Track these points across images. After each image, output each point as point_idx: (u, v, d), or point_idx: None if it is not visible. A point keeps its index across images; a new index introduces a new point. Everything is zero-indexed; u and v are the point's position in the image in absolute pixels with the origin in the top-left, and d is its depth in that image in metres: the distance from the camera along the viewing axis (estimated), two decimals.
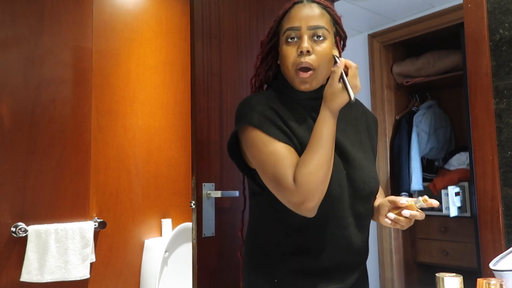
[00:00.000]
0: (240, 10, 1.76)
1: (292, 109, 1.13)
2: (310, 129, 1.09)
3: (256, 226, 1.19)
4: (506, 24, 1.48)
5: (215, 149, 1.61)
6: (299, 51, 1.07)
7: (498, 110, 1.51)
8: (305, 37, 1.07)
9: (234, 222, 1.65)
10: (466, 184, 2.86)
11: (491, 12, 1.52)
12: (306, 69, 1.08)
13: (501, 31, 1.49)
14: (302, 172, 0.97)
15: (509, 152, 1.46)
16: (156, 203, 2.40)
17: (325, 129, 0.99)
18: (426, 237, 3.04)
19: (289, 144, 1.05)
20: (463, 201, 2.82)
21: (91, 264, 2.08)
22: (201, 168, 1.56)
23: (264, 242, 1.15)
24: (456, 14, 2.68)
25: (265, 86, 1.26)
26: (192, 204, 1.54)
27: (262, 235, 1.16)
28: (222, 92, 1.67)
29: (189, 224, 2.38)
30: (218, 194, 1.56)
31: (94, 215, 2.14)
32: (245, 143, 1.09)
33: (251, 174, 1.18)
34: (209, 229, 1.55)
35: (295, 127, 1.09)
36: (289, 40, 1.09)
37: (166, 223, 2.40)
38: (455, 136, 3.28)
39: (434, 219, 3.00)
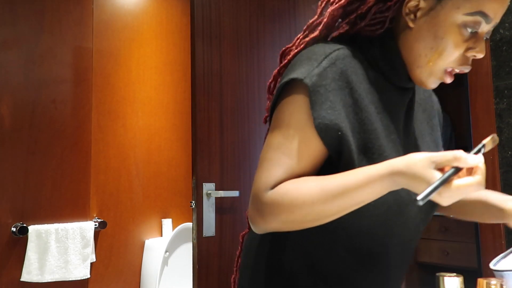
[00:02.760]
0: (240, 10, 1.76)
1: (386, 92, 0.78)
2: (392, 138, 0.76)
3: (274, 246, 0.84)
4: (506, 24, 1.48)
5: (216, 149, 1.61)
6: (471, 53, 0.72)
7: (498, 110, 1.51)
8: (483, 37, 0.73)
9: (234, 222, 1.65)
10: None
11: None
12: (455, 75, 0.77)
13: (501, 31, 1.49)
14: (289, 193, 0.69)
15: (509, 152, 1.46)
16: (157, 203, 2.40)
17: (366, 189, 0.65)
18: (427, 237, 3.04)
19: (325, 145, 0.72)
20: None
21: (92, 264, 2.08)
22: (201, 168, 1.56)
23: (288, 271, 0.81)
24: None
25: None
26: (192, 204, 1.54)
27: (283, 262, 0.82)
28: (222, 92, 1.67)
29: (189, 224, 2.38)
30: (218, 194, 1.56)
31: (95, 215, 2.14)
32: (280, 101, 0.76)
33: None
34: (209, 229, 1.55)
35: (374, 122, 0.74)
36: (469, 29, 0.71)
37: (167, 223, 2.40)
38: (455, 136, 3.28)
39: (435, 219, 3.00)
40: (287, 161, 0.72)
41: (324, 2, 0.80)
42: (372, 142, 0.72)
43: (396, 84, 0.79)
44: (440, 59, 0.72)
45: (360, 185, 0.65)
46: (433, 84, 0.76)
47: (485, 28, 0.72)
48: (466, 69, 0.75)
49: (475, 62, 1.49)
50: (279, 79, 0.83)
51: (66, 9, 2.10)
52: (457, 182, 0.57)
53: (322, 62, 0.72)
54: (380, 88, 0.77)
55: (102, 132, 2.20)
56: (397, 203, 0.73)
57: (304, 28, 0.82)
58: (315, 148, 0.72)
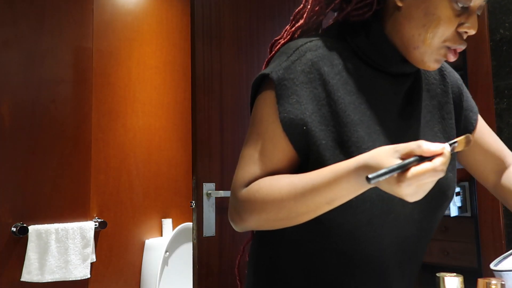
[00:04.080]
0: (240, 10, 1.76)
1: (366, 77, 0.75)
2: (372, 127, 0.73)
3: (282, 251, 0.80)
4: (507, 24, 1.48)
5: (216, 149, 1.61)
6: (463, 29, 0.70)
7: (498, 110, 1.51)
8: (475, 12, 0.71)
9: None
10: (466, 184, 2.85)
11: (491, 12, 1.52)
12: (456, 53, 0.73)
13: (501, 31, 1.49)
14: (260, 191, 0.68)
15: None
16: (157, 203, 2.40)
17: (334, 186, 0.62)
18: None
19: (292, 143, 0.70)
20: (463, 201, 2.82)
21: (92, 264, 2.08)
22: (201, 168, 1.56)
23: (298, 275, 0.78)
24: None
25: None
26: (192, 204, 1.54)
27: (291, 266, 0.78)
28: (222, 92, 1.66)
29: (189, 224, 2.38)
30: (218, 194, 1.56)
31: (95, 215, 2.14)
32: (255, 102, 0.76)
33: None
34: (209, 229, 1.55)
35: (348, 112, 0.71)
36: (460, 4, 0.68)
37: (167, 223, 2.40)
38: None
39: None
40: (261, 158, 0.71)
41: None
42: (347, 134, 0.69)
43: (387, 71, 0.76)
44: (434, 36, 0.70)
45: (327, 182, 0.63)
46: (435, 64, 0.73)
47: (477, 2, 0.69)
48: (462, 46, 0.72)
49: (475, 62, 1.48)
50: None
51: (66, 9, 2.10)
52: (413, 168, 0.55)
53: (291, 56, 0.72)
54: (363, 78, 0.74)
55: (102, 132, 2.20)
56: (380, 199, 0.69)
57: (291, 18, 0.81)
58: (283, 145, 0.71)
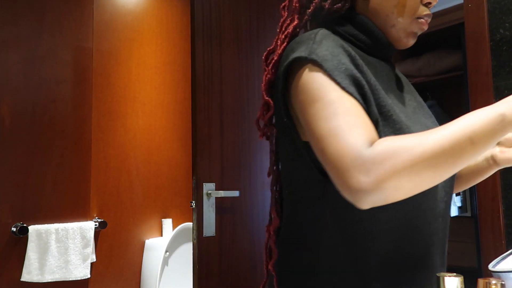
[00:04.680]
0: (240, 10, 1.76)
1: (368, 63, 0.78)
2: (393, 98, 0.77)
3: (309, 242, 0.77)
4: (507, 24, 1.48)
5: (216, 149, 1.61)
6: (425, 0, 0.79)
7: None
8: None
9: (234, 222, 1.65)
10: None
11: (491, 12, 1.52)
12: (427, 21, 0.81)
13: (501, 31, 1.49)
14: (401, 140, 0.59)
15: None
16: (157, 203, 2.40)
17: (485, 127, 0.58)
18: None
19: (361, 104, 0.67)
20: (463, 201, 2.82)
21: (92, 264, 2.09)
22: (201, 168, 1.56)
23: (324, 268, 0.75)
24: (457, 14, 2.68)
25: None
26: (192, 204, 1.54)
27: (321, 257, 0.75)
28: (222, 92, 1.67)
29: (189, 224, 2.38)
30: (218, 194, 1.56)
31: (95, 215, 2.14)
32: (295, 88, 0.71)
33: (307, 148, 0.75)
34: (209, 229, 1.55)
35: (379, 89, 0.72)
36: None
37: (167, 223, 2.40)
38: None
39: None
40: (360, 121, 0.63)
41: (287, 1, 0.85)
42: (379, 97, 0.71)
43: (378, 55, 0.82)
44: (406, 10, 0.78)
45: (468, 119, 0.59)
46: (411, 39, 0.82)
47: None
48: (429, 18, 0.81)
49: (475, 62, 1.49)
50: (269, 78, 0.81)
51: (66, 9, 2.10)
52: None
53: (316, 38, 0.72)
54: (366, 61, 0.78)
55: (102, 132, 2.20)
56: None
57: (278, 30, 0.83)
58: (357, 105, 0.66)
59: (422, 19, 0.80)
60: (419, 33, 0.82)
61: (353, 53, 0.72)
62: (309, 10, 0.80)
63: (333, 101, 0.65)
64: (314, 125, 0.65)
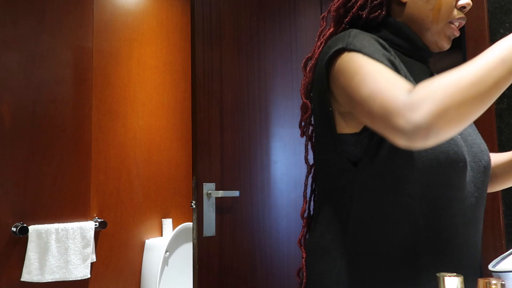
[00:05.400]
0: (240, 10, 1.77)
1: (405, 63, 0.84)
2: None
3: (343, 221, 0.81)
4: (507, 24, 1.48)
5: (216, 149, 1.61)
6: (461, 4, 0.82)
7: (498, 109, 1.51)
8: None
9: (234, 222, 1.65)
10: None
11: (491, 12, 1.52)
12: (460, 26, 0.84)
13: (501, 31, 1.49)
14: (436, 80, 0.61)
15: None
16: (157, 203, 2.40)
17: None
18: None
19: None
20: None
21: (92, 264, 2.09)
22: (201, 167, 1.56)
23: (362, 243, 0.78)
24: None
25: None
26: (192, 204, 1.54)
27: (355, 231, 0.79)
28: (222, 91, 1.67)
29: (189, 224, 2.38)
30: (218, 194, 1.56)
31: (95, 215, 2.14)
32: (335, 74, 0.75)
33: (342, 140, 0.81)
34: (209, 229, 1.55)
35: (411, 80, 0.78)
36: None
37: (167, 223, 2.40)
38: None
39: None
40: (399, 79, 0.66)
41: (326, 12, 0.90)
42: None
43: (415, 57, 0.86)
44: (440, 14, 0.81)
45: (504, 46, 0.61)
46: (446, 42, 0.84)
47: None
48: (463, 20, 0.83)
49: None
50: (306, 82, 0.89)
51: (66, 9, 2.10)
52: None
53: (350, 34, 0.77)
54: (402, 59, 0.83)
55: (102, 132, 2.20)
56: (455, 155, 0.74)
57: (316, 38, 0.91)
58: (395, 73, 0.70)
59: (455, 23, 0.83)
60: (453, 37, 0.84)
61: (387, 47, 0.78)
62: (346, 19, 0.86)
63: (372, 70, 0.69)
64: (357, 92, 0.69)
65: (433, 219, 0.75)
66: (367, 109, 0.67)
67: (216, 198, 1.58)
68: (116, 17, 2.31)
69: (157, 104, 2.45)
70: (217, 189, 1.59)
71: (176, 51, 2.57)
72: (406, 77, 0.76)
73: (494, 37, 1.49)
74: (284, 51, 1.93)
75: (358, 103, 0.69)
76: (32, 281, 1.86)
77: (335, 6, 0.87)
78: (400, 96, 0.62)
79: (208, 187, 1.56)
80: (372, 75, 0.68)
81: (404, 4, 0.84)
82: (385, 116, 0.63)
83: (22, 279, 1.85)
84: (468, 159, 0.77)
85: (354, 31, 0.78)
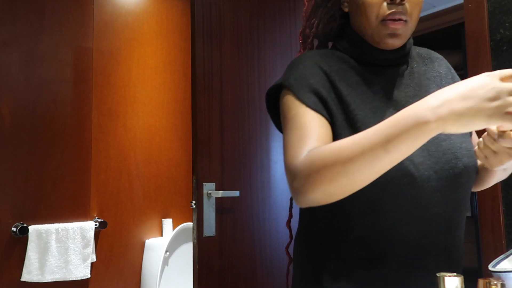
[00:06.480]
0: (240, 10, 1.77)
1: (358, 73, 0.86)
2: (375, 107, 0.82)
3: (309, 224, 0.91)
4: (507, 24, 1.48)
5: (216, 148, 1.61)
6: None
7: None
8: None
9: (234, 222, 1.65)
10: None
11: (491, 12, 1.52)
12: (397, 19, 0.82)
13: (501, 31, 1.49)
14: (322, 151, 0.68)
15: None
16: (157, 203, 2.40)
17: (404, 132, 0.61)
18: None
19: (322, 114, 0.79)
20: None
21: (92, 264, 2.09)
22: (201, 167, 1.56)
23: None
24: (457, 14, 2.68)
25: (316, 43, 0.99)
26: (192, 204, 1.54)
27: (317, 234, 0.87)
28: (222, 91, 1.67)
29: (189, 224, 2.38)
30: (218, 194, 1.56)
31: (95, 215, 2.14)
32: (281, 111, 0.86)
33: None
34: (209, 229, 1.55)
35: (351, 97, 0.82)
36: None
37: (167, 223, 2.40)
38: None
39: None
40: (304, 132, 0.77)
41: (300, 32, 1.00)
42: (353, 113, 0.80)
43: (375, 63, 0.88)
44: (368, 16, 0.83)
45: (384, 123, 0.64)
46: (389, 40, 0.83)
47: None
48: (401, 15, 0.81)
49: (475, 62, 1.49)
50: None
51: (66, 9, 2.10)
52: None
53: (294, 64, 0.87)
54: (355, 70, 0.87)
55: (102, 132, 2.20)
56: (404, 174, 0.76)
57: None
58: (316, 116, 0.79)
59: (389, 20, 0.82)
60: (397, 32, 0.82)
61: (329, 71, 0.84)
62: (309, 39, 0.96)
63: (294, 116, 0.80)
64: (283, 136, 0.82)
65: (391, 234, 0.79)
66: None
67: (216, 198, 1.58)
68: (116, 17, 2.31)
69: (157, 104, 2.45)
70: (217, 189, 1.59)
71: (176, 51, 2.57)
72: (342, 98, 0.81)
73: (494, 37, 1.49)
74: (284, 51, 1.93)
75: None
76: (32, 281, 1.86)
77: (300, 31, 0.98)
78: (293, 161, 0.74)
79: (208, 187, 1.56)
80: (290, 125, 0.80)
81: (350, 12, 0.89)
82: (286, 171, 0.77)
83: (22, 279, 1.85)
84: (426, 172, 0.77)
85: (301, 57, 0.87)
